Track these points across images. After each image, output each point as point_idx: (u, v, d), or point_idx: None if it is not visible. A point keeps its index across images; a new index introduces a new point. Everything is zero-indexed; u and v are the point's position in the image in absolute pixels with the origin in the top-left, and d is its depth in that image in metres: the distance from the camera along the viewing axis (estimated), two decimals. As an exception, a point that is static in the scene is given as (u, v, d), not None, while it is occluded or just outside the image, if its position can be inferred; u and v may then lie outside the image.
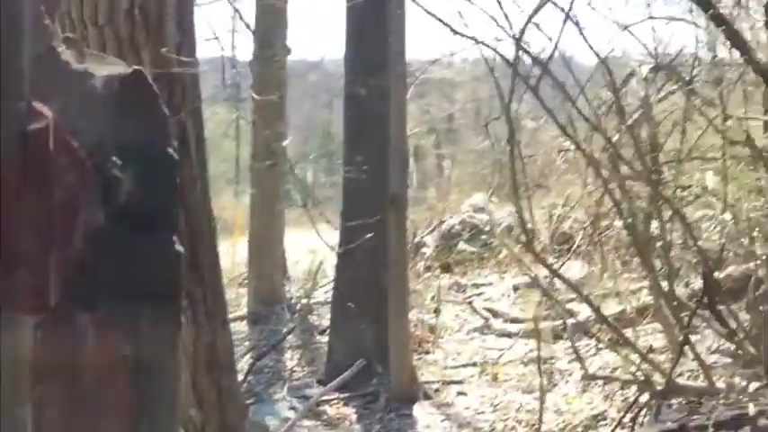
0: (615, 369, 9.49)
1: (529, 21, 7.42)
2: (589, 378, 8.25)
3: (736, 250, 8.95)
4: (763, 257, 8.01)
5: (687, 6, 10.29)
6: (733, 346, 8.08)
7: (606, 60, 7.97)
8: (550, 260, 12.59)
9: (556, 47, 7.54)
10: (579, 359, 7.99)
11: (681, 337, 7.79)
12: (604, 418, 8.83)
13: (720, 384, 7.85)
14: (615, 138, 9.43)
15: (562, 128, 7.62)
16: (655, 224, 9.36)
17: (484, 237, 15.20)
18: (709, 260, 7.41)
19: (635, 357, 8.06)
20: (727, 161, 9.08)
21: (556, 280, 10.30)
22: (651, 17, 9.58)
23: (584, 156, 7.65)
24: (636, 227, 8.07)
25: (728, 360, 8.77)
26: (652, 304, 9.64)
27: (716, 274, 9.81)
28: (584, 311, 10.98)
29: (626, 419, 7.82)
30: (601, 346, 9.04)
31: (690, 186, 9.66)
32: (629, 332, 10.79)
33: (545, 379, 9.09)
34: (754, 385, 7.77)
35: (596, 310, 7.91)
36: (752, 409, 6.56)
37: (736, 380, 7.89)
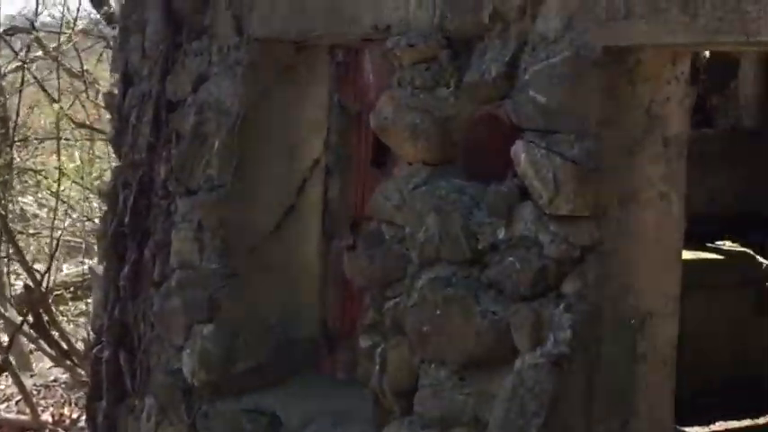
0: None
1: None
2: None
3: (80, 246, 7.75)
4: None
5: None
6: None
7: None
8: None
9: None
10: None
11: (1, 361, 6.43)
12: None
13: (48, 417, 6.60)
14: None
15: None
16: None
17: None
18: (33, 271, 6.10)
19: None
20: (82, 143, 7.84)
21: None
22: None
23: None
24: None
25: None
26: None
27: (64, 273, 8.57)
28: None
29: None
30: None
31: (42, 170, 8.29)
32: None
33: None
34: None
35: None
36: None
37: (66, 410, 6.66)
